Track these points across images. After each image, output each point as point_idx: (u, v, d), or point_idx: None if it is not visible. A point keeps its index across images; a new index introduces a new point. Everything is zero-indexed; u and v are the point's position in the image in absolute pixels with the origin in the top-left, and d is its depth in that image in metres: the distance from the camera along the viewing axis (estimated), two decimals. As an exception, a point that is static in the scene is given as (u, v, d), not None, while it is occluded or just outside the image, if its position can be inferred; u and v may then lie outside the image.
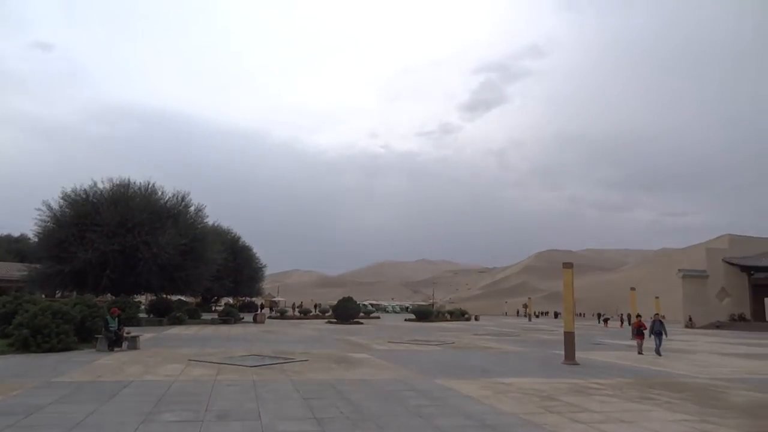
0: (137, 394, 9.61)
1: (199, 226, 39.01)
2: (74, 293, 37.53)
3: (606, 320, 57.75)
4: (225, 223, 58.31)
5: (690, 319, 54.37)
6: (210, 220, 44.54)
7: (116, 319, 17.77)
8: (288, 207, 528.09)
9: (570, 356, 16.70)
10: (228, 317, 37.15)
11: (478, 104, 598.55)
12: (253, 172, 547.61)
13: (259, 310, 56.56)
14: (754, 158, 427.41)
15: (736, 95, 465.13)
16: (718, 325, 53.08)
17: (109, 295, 36.53)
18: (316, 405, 8.93)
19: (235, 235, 59.02)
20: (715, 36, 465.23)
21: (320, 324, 40.64)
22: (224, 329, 30.64)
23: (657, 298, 40.44)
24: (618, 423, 8.23)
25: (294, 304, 75.01)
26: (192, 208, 39.16)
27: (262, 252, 77.73)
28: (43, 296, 35.91)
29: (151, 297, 43.85)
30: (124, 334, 17.84)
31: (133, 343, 17.88)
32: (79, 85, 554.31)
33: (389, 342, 24.05)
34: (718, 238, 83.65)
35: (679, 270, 60.20)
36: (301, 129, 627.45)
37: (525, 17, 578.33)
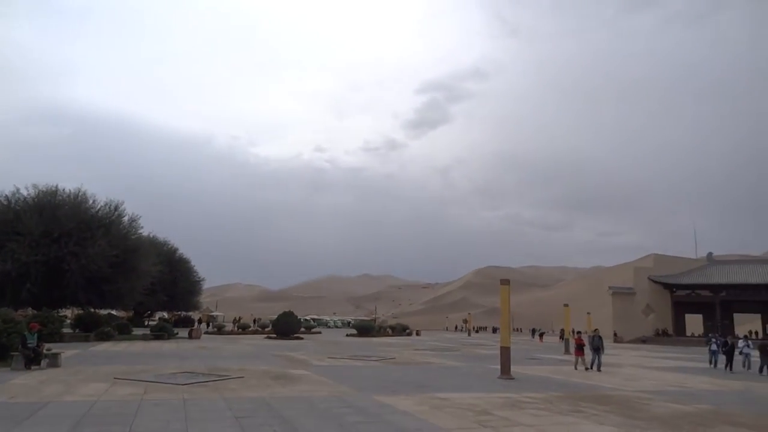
0: (54, 416, 8.96)
1: (132, 237, 37.43)
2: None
3: (541, 335, 59.61)
4: (162, 235, 56.13)
5: (615, 334, 57.19)
6: (145, 231, 42.86)
7: (35, 335, 16.66)
8: (230, 219, 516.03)
9: (506, 371, 17.08)
10: (161, 332, 35.51)
11: (423, 123, 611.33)
12: (193, 181, 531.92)
13: (196, 324, 54.40)
14: (678, 185, 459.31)
15: (663, 125, 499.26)
16: (643, 340, 56.15)
17: (30, 309, 34.21)
18: (249, 423, 8.65)
19: (171, 247, 57.00)
20: (644, 69, 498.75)
21: (259, 339, 39.62)
22: (156, 345, 29.29)
23: (588, 314, 42.04)
24: (548, 436, 8.46)
25: (234, 319, 72.89)
26: (126, 218, 37.56)
27: (200, 265, 74.96)
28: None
29: (78, 311, 41.39)
30: (44, 351, 16.69)
31: (54, 361, 16.73)
32: (7, 84, 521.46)
33: (329, 358, 23.78)
34: (644, 257, 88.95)
35: (609, 287, 63.42)
36: (239, 140, 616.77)
37: (469, 41, 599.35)
